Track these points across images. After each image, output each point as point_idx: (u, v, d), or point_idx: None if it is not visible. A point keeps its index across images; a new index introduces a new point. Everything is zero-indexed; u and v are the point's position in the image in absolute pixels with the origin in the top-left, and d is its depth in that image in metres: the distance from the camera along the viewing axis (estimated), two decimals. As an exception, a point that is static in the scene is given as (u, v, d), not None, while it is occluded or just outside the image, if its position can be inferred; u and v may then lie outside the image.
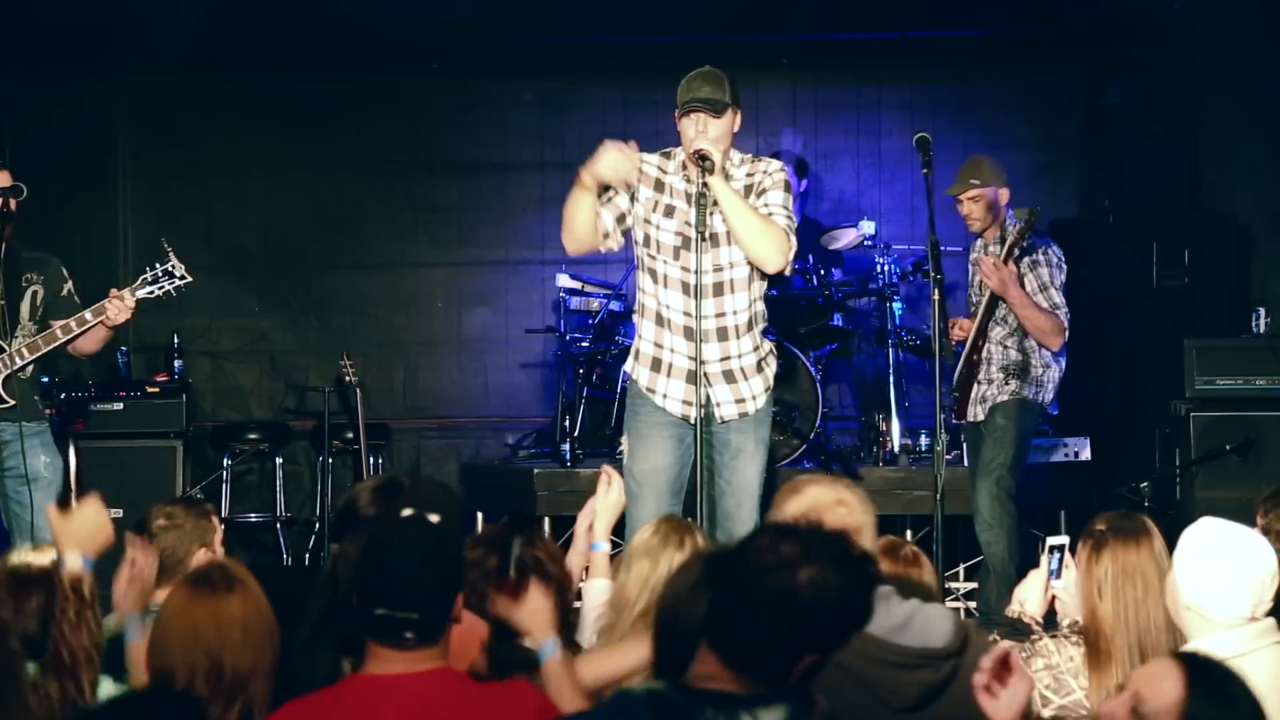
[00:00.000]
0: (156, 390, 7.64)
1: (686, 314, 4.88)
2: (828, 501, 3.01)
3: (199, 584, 2.86)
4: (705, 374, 4.82)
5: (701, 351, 4.77)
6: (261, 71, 8.55)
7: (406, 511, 2.73)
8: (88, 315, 5.41)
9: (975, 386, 6.15)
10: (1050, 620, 3.65)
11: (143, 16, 7.75)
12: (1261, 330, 7.10)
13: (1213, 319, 7.40)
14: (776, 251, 4.82)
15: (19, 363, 5.41)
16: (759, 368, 5.02)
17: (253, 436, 8.16)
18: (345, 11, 7.88)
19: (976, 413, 6.18)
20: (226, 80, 8.56)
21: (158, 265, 5.50)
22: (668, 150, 5.06)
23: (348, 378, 7.46)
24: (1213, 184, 8.17)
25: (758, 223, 4.79)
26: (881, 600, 2.86)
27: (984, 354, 6.16)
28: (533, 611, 3.04)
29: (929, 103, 8.57)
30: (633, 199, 4.98)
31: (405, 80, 8.69)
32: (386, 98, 8.72)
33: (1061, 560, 3.12)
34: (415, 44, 8.36)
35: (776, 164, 5.04)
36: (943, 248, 6.06)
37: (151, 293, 5.48)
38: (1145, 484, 6.84)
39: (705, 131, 4.82)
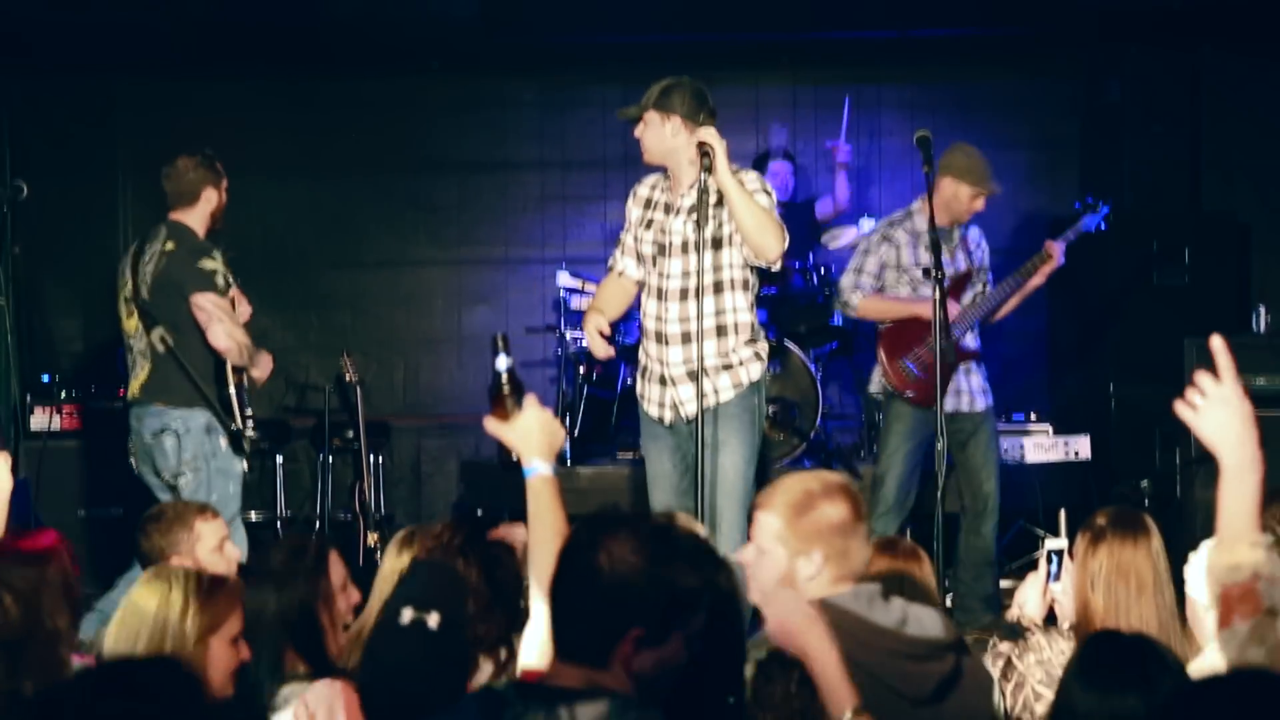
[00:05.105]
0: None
1: (658, 319, 5.11)
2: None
3: None
4: (670, 376, 5.07)
5: (666, 354, 5.05)
6: (261, 72, 8.55)
7: (406, 615, 2.60)
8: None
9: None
10: (1050, 623, 3.65)
11: (143, 16, 7.73)
12: (1262, 329, 7.09)
13: (1213, 317, 7.38)
14: (776, 242, 4.94)
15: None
16: (726, 368, 5.08)
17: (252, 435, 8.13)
18: (345, 12, 7.86)
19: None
20: (226, 80, 8.55)
21: None
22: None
23: (348, 376, 7.44)
24: (1213, 184, 8.18)
25: (760, 212, 4.91)
26: (864, 599, 2.89)
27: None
28: (524, 432, 3.00)
29: (929, 103, 8.56)
30: (635, 239, 5.26)
31: (405, 80, 8.68)
32: (386, 98, 8.72)
33: (1060, 564, 3.11)
34: (415, 44, 8.35)
35: (754, 174, 5.18)
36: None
37: None
38: (1145, 481, 6.83)
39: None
